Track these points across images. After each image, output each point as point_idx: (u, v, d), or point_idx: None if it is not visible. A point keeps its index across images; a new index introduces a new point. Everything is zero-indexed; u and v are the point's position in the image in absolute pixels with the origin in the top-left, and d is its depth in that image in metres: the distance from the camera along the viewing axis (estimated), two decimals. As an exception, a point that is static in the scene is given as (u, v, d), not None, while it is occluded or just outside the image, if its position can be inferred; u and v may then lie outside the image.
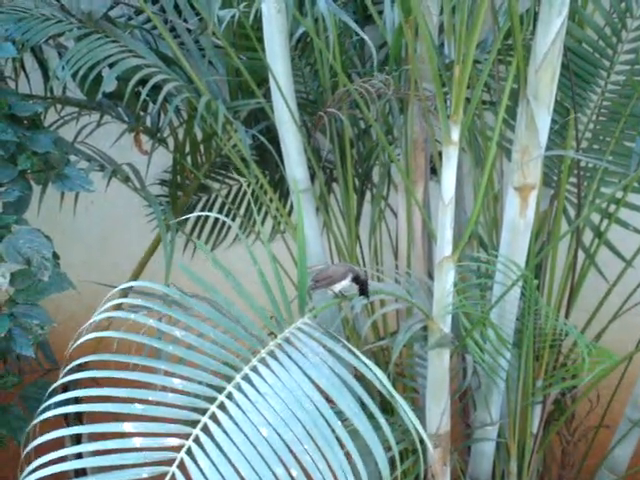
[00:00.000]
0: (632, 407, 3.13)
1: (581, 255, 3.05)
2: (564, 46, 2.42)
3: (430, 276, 2.94)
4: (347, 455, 1.93)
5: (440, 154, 2.40)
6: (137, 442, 1.86)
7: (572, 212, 3.06)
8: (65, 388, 1.96)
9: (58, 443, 1.87)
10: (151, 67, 2.98)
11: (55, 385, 1.95)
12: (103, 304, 2.02)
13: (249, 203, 3.86)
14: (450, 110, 2.31)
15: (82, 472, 1.99)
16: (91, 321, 2.00)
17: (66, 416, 3.33)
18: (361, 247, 3.29)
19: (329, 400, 1.99)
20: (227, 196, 3.89)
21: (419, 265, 3.07)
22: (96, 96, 3.07)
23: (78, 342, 1.97)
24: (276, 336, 2.12)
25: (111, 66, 2.95)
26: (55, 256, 2.81)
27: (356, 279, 2.37)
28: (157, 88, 2.91)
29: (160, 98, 2.89)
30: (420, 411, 2.80)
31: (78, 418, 3.40)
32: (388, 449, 2.02)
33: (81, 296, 2.95)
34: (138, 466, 1.84)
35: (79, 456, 1.94)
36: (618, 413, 3.20)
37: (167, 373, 2.00)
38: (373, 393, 2.14)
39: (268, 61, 2.83)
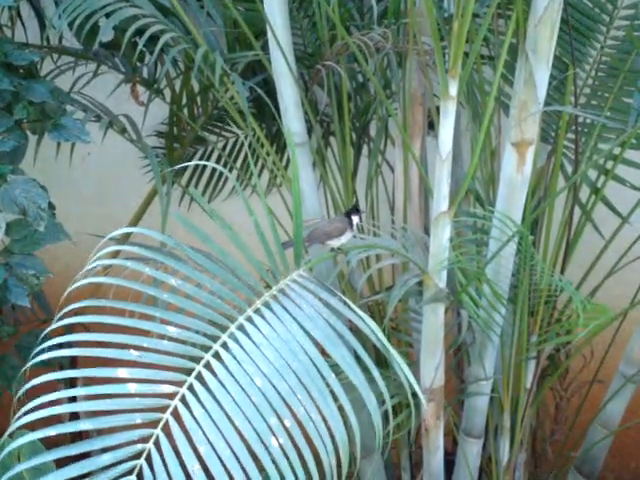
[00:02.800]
0: (625, 363, 3.15)
1: (577, 211, 3.05)
2: (564, 0, 2.40)
3: (426, 231, 2.94)
4: (341, 408, 1.94)
5: (438, 109, 2.39)
6: (131, 388, 1.87)
7: (569, 168, 3.06)
8: (62, 334, 1.96)
9: (52, 389, 1.88)
10: (148, 17, 2.95)
11: (49, 329, 1.95)
12: (96, 252, 2.02)
13: (246, 156, 3.86)
14: (448, 64, 2.29)
15: (76, 416, 2.01)
16: (87, 268, 1.99)
17: (62, 364, 3.35)
18: (357, 201, 3.28)
19: (324, 352, 1.99)
20: (224, 149, 3.88)
21: (415, 220, 3.07)
22: (93, 46, 3.06)
23: (72, 287, 1.97)
24: (271, 288, 2.12)
25: (108, 16, 2.92)
26: (51, 206, 2.81)
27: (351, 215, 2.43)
28: (154, 39, 2.88)
29: (157, 49, 2.87)
30: (414, 365, 2.81)
31: (72, 364, 3.42)
32: (382, 402, 2.04)
33: (77, 247, 2.95)
34: (132, 412, 1.85)
35: (73, 400, 1.95)
36: (612, 369, 3.21)
37: (162, 321, 2.00)
38: (368, 347, 2.14)
39: (266, 13, 2.81)
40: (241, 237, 2.15)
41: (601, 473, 3.40)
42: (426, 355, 2.69)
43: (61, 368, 2.88)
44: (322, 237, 2.44)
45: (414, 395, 2.05)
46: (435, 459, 2.94)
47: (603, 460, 3.35)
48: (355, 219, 2.47)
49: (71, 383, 3.18)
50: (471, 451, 3.09)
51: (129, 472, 1.81)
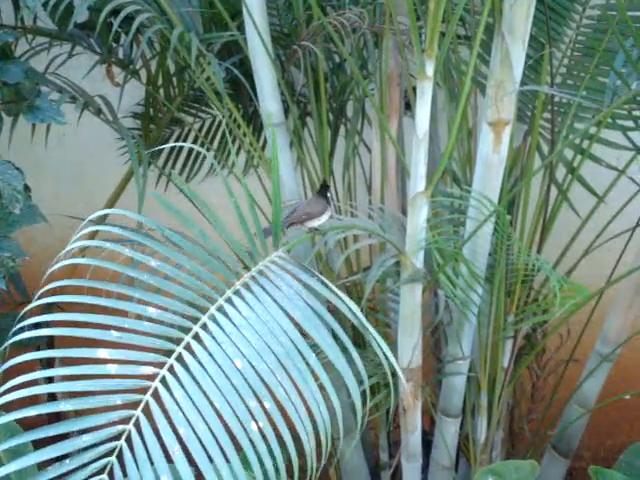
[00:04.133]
0: (602, 341, 3.17)
1: (554, 191, 3.05)
2: (540, -20, 2.40)
3: (403, 211, 2.95)
4: (321, 387, 1.94)
5: (414, 89, 2.39)
6: (112, 369, 1.86)
7: (545, 148, 3.06)
8: (41, 314, 1.95)
9: (30, 369, 1.87)
10: (123, -3, 2.94)
11: (27, 309, 1.94)
12: (77, 233, 2.00)
13: (222, 137, 3.84)
14: (425, 44, 2.29)
15: (54, 397, 2.00)
16: (67, 250, 1.98)
17: (38, 346, 3.33)
18: (335, 182, 3.28)
19: (303, 333, 1.99)
20: (200, 130, 3.87)
21: (392, 200, 3.07)
22: (67, 26, 3.03)
23: (53, 268, 1.96)
24: (250, 269, 2.12)
25: (82, -4, 2.91)
26: (26, 188, 2.80)
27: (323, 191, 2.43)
28: (129, 19, 2.86)
29: (133, 29, 2.85)
30: (392, 346, 2.82)
31: (49, 345, 3.41)
32: (360, 382, 2.04)
33: (54, 229, 2.94)
34: (112, 393, 1.84)
35: (50, 380, 1.94)
36: (588, 348, 3.23)
37: (142, 302, 1.99)
38: (345, 328, 2.14)
39: (242, -7, 2.80)
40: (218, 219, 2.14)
41: (577, 451, 3.42)
42: (404, 335, 2.70)
43: (38, 349, 2.87)
44: (302, 218, 2.44)
45: (393, 374, 2.06)
46: (413, 438, 2.95)
47: (580, 438, 3.37)
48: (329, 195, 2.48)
49: (48, 363, 3.17)
50: (449, 430, 3.10)
51: (109, 453, 1.81)
